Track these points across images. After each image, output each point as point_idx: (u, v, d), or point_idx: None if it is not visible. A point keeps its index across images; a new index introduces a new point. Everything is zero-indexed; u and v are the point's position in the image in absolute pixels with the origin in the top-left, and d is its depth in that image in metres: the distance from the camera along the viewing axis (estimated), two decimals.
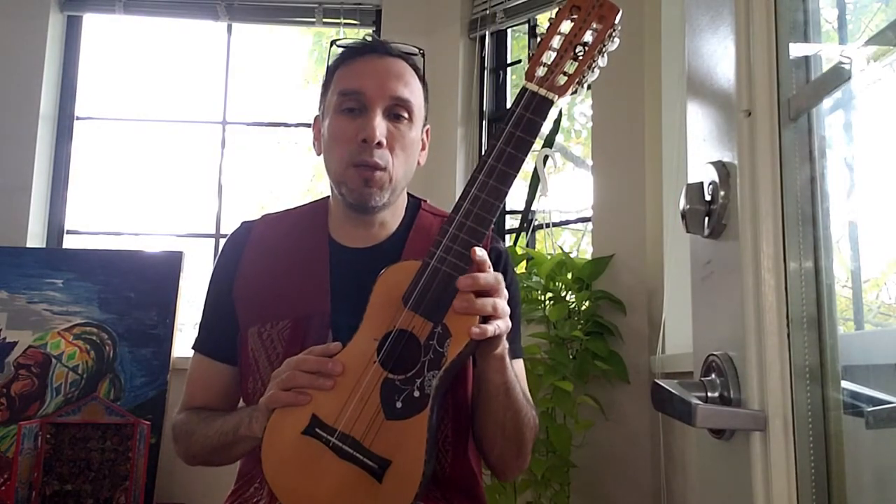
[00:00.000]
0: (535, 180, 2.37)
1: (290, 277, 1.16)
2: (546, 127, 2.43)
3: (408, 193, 1.24)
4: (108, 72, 2.99)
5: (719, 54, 0.80)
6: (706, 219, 0.79)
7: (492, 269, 0.98)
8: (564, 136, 2.93)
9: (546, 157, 2.35)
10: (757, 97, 0.74)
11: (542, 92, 0.98)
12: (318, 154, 1.19)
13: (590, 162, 2.36)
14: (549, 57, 0.98)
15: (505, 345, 1.02)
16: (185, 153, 2.99)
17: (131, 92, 3.04)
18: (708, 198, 0.79)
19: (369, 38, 1.19)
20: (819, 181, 0.73)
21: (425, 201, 1.26)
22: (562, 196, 2.49)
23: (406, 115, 1.13)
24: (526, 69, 0.99)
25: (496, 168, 0.97)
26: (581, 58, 0.98)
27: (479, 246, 0.97)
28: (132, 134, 3.00)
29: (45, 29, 2.73)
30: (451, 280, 0.95)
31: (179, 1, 2.85)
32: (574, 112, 3.00)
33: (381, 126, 1.10)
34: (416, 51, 1.20)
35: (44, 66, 2.71)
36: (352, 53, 1.16)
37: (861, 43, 0.67)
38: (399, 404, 0.96)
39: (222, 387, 1.21)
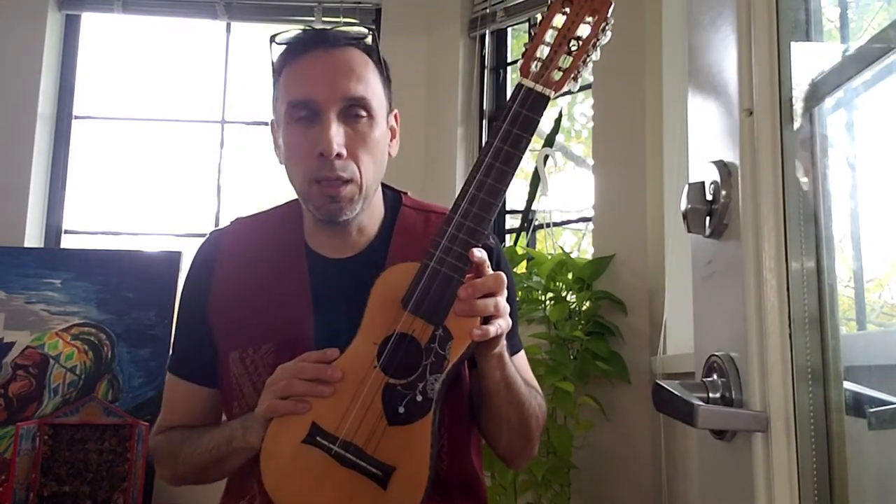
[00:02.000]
0: (536, 180, 2.36)
1: (269, 296, 1.10)
2: (546, 124, 2.43)
3: (385, 186, 1.17)
4: (107, 71, 2.98)
5: (721, 53, 0.80)
6: (707, 218, 0.79)
7: (490, 269, 0.97)
8: (565, 135, 2.93)
9: (546, 157, 2.35)
10: (758, 96, 0.73)
11: (539, 88, 0.96)
12: (281, 163, 1.11)
13: (590, 162, 2.35)
14: (542, 52, 0.97)
15: (503, 342, 1.01)
16: (183, 152, 2.99)
17: (129, 91, 3.03)
18: (709, 197, 0.78)
19: (309, 28, 1.09)
20: (821, 180, 0.73)
21: (406, 194, 1.19)
22: (562, 196, 2.48)
23: (364, 113, 1.05)
24: (520, 64, 0.97)
25: (494, 166, 0.95)
26: (575, 52, 0.96)
27: (477, 246, 0.95)
28: (130, 133, 2.99)
29: (44, 28, 2.72)
30: (451, 281, 0.94)
31: (178, 0, 2.85)
32: (575, 112, 2.99)
33: (337, 135, 1.02)
34: (366, 32, 1.09)
35: (42, 65, 2.70)
36: (295, 52, 1.06)
37: (863, 42, 0.67)
38: (402, 409, 0.94)
39: (201, 408, 1.15)
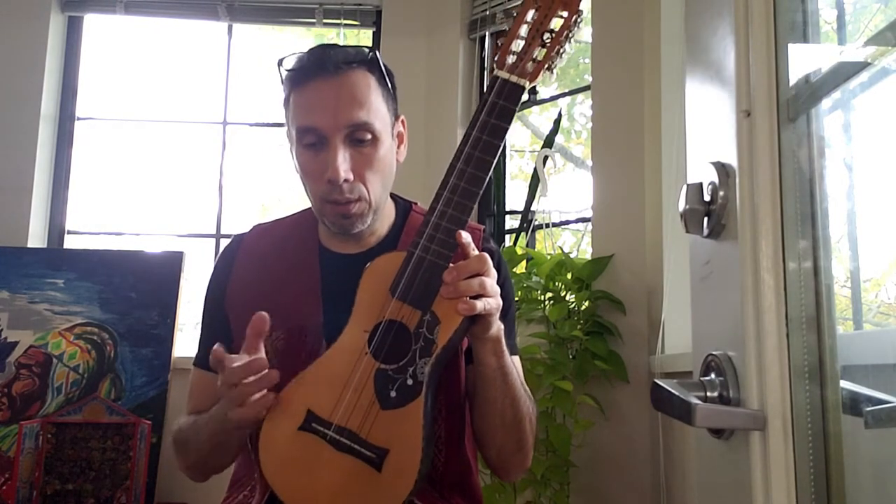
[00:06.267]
0: (535, 181, 2.37)
1: (282, 287, 1.15)
2: (545, 125, 2.43)
3: (397, 197, 1.22)
4: (109, 72, 2.99)
5: (719, 55, 0.80)
6: (705, 219, 0.79)
7: (476, 250, 0.99)
8: (564, 136, 2.93)
9: (546, 158, 2.35)
10: (756, 97, 0.74)
11: (514, 79, 1.00)
12: (297, 173, 1.16)
13: (590, 162, 2.36)
14: (517, 45, 1.01)
15: (499, 325, 1.02)
16: (185, 154, 3.00)
17: (132, 92, 3.04)
18: (707, 198, 0.79)
19: (314, 48, 1.11)
20: (818, 181, 0.74)
21: (416, 203, 1.24)
22: (562, 196, 2.49)
23: (368, 136, 1.08)
24: (496, 58, 1.02)
25: (473, 156, 0.98)
26: (549, 44, 1.01)
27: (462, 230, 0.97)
28: (133, 134, 3.00)
29: (46, 29, 2.73)
30: (436, 267, 0.97)
31: (180, 1, 2.85)
32: (574, 112, 3.00)
33: (344, 162, 1.06)
34: (367, 52, 1.12)
35: (45, 66, 2.71)
36: (300, 78, 1.09)
37: (860, 43, 0.67)
38: (393, 393, 0.97)
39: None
